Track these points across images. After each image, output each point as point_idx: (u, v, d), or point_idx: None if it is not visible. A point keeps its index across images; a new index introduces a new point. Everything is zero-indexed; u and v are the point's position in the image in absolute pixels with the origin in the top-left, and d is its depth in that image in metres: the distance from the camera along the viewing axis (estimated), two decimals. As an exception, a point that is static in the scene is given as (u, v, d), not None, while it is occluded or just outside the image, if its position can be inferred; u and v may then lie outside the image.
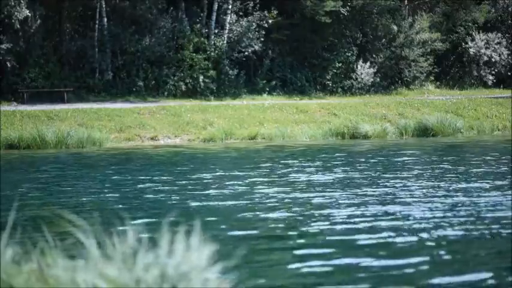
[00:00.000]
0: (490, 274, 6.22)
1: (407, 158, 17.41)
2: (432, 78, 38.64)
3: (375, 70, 35.82)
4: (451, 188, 11.61)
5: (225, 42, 33.11)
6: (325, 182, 12.78)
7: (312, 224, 8.70)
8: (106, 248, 3.46)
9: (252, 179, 13.43)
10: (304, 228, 8.47)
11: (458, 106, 29.95)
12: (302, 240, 7.81)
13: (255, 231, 8.40)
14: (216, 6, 33.16)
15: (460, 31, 40.21)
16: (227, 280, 3.47)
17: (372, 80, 35.57)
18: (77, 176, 14.88)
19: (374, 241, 7.62)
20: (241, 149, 21.38)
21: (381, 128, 25.53)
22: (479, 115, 28.94)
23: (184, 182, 13.29)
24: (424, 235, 7.87)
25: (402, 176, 13.51)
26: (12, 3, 28.49)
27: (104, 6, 31.43)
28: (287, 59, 34.89)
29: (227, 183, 12.83)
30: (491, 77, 39.57)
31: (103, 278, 3.30)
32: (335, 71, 35.40)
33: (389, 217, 9.02)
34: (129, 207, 10.05)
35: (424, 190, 11.40)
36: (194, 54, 32.17)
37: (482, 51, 39.24)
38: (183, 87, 31.68)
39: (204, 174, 14.43)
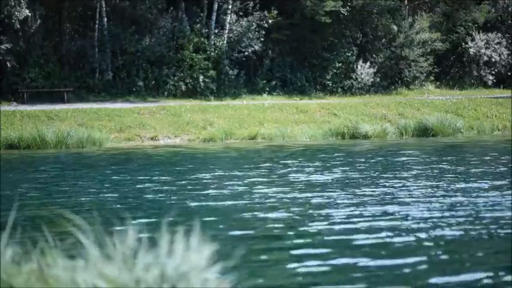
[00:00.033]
0: (488, 274, 6.23)
1: (406, 158, 17.42)
2: (432, 78, 38.64)
3: (375, 70, 35.83)
4: (449, 188, 11.62)
5: (225, 42, 33.11)
6: (324, 182, 12.79)
7: (311, 224, 8.71)
8: (106, 248, 3.47)
9: (251, 179, 13.44)
10: (303, 228, 8.48)
11: (458, 106, 29.96)
12: (301, 240, 7.82)
13: (253, 231, 8.41)
14: (216, 6, 33.17)
15: (460, 31, 40.21)
16: (227, 280, 3.48)
17: (372, 80, 35.58)
18: (77, 176, 14.89)
19: (372, 241, 7.63)
20: (241, 149, 21.39)
21: (381, 128, 25.54)
22: (479, 115, 28.95)
23: (183, 182, 13.30)
24: (422, 235, 7.88)
25: (401, 176, 13.52)
26: (12, 3, 28.50)
27: (104, 6, 31.44)
28: (287, 59, 34.90)
29: (226, 183, 12.84)
30: (491, 77, 39.57)
31: (103, 278, 3.31)
32: (335, 71, 35.41)
33: (388, 217, 9.03)
34: (128, 207, 10.06)
35: (422, 190, 11.41)
36: (194, 54, 32.18)
37: (482, 51, 39.25)
38: (183, 87, 31.69)
39: (204, 174, 14.44)
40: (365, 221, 8.73)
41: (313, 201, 10.49)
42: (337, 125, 25.89)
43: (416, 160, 16.96)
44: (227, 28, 33.29)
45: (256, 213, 9.58)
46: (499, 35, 39.92)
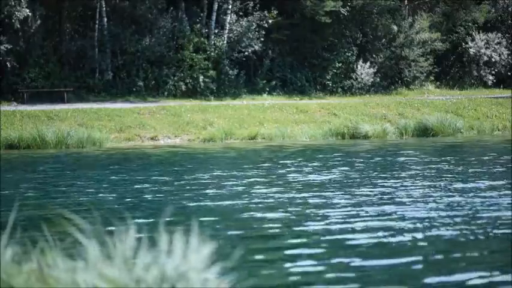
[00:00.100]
0: (484, 274, 6.24)
1: (406, 158, 17.42)
2: (432, 78, 38.66)
3: (375, 70, 35.84)
4: (447, 188, 11.63)
5: (225, 42, 33.12)
6: (323, 182, 12.80)
7: (308, 224, 8.72)
8: (106, 247, 3.47)
9: (250, 179, 13.45)
10: (300, 228, 8.49)
11: (458, 106, 29.96)
12: (298, 240, 7.83)
13: (251, 231, 8.42)
14: (216, 6, 33.18)
15: (460, 31, 40.22)
16: (226, 280, 3.49)
17: (372, 80, 35.59)
18: (76, 176, 14.89)
19: (369, 241, 7.64)
20: (240, 149, 21.40)
21: (381, 128, 25.55)
22: (479, 115, 28.96)
23: (182, 182, 13.30)
24: (419, 235, 7.89)
25: (400, 176, 13.53)
26: (12, 3, 28.50)
27: (104, 6, 31.45)
28: (287, 59, 34.91)
29: (225, 183, 12.85)
30: (491, 77, 39.58)
31: (103, 279, 3.31)
32: (335, 71, 35.42)
33: (385, 217, 9.04)
34: (127, 207, 10.06)
35: (420, 190, 11.42)
36: (194, 54, 32.19)
37: (482, 51, 39.26)
38: (183, 87, 31.70)
39: (203, 174, 14.44)
40: (362, 221, 8.74)
41: (311, 201, 10.50)
42: (337, 125, 25.90)
43: (416, 160, 16.97)
44: (227, 28, 33.30)
45: (254, 213, 9.59)
46: (499, 35, 39.92)
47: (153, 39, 31.82)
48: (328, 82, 35.27)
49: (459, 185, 11.98)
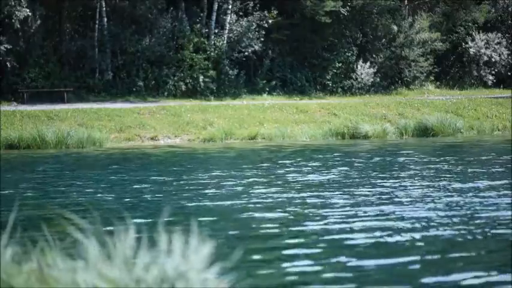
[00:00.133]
0: (481, 273, 6.24)
1: (405, 158, 17.42)
2: (432, 78, 38.66)
3: (375, 70, 35.84)
4: (446, 188, 11.63)
5: (225, 42, 33.13)
6: (322, 183, 12.81)
7: (307, 224, 8.73)
8: (106, 248, 3.48)
9: (249, 179, 13.45)
10: (298, 228, 8.51)
11: (458, 106, 29.97)
12: (296, 240, 7.84)
13: (250, 231, 8.42)
14: (216, 6, 33.18)
15: (460, 31, 40.23)
16: (225, 280, 3.49)
17: (372, 80, 35.60)
18: (75, 176, 14.89)
19: (367, 241, 7.66)
20: (240, 149, 21.41)
21: (381, 128, 25.55)
22: (479, 115, 28.96)
23: (182, 182, 13.31)
24: (417, 235, 7.89)
25: (398, 176, 13.53)
26: (12, 3, 28.51)
27: (104, 6, 31.46)
28: (287, 59, 34.91)
29: (224, 183, 12.86)
30: (491, 77, 39.59)
31: (103, 278, 3.31)
32: (335, 71, 35.43)
33: (383, 217, 9.04)
34: (126, 207, 10.06)
35: (419, 190, 11.43)
36: (194, 54, 32.20)
37: (482, 51, 39.27)
38: (183, 87, 31.71)
39: (202, 174, 14.45)
40: (360, 221, 8.75)
41: (310, 201, 10.51)
42: (337, 125, 25.91)
43: (415, 160, 16.97)
44: (227, 28, 33.31)
45: (253, 213, 9.59)
46: (499, 35, 39.93)
47: (153, 39, 31.83)
48: (328, 82, 35.27)
49: (458, 185, 11.99)
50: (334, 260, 6.85)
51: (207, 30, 33.12)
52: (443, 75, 39.83)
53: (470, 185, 12.03)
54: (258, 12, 33.69)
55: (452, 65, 40.66)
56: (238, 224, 8.95)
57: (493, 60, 39.38)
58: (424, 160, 16.98)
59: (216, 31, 33.33)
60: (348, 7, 35.07)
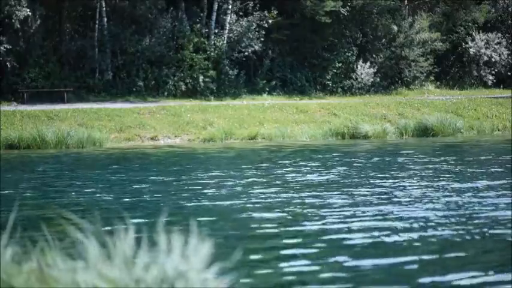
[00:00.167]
0: (478, 273, 6.25)
1: (404, 158, 17.42)
2: (432, 78, 38.67)
3: (375, 70, 35.84)
4: (445, 188, 11.63)
5: (225, 42, 33.13)
6: (321, 183, 12.81)
7: (306, 224, 8.74)
8: (105, 248, 3.48)
9: (248, 179, 13.46)
10: (296, 228, 8.52)
11: (458, 106, 29.98)
12: (294, 240, 7.85)
13: (249, 231, 8.43)
14: (216, 6, 33.19)
15: (460, 31, 40.23)
16: (225, 280, 3.50)
17: (372, 80, 35.60)
18: (75, 176, 14.89)
19: (366, 241, 7.67)
20: (240, 149, 21.41)
21: (381, 128, 25.56)
22: (479, 115, 28.97)
23: (181, 182, 13.32)
24: (415, 235, 7.90)
25: (397, 176, 13.53)
26: (12, 3, 28.51)
27: (104, 6, 31.46)
28: (287, 59, 34.92)
29: (224, 183, 12.86)
30: (491, 77, 39.59)
31: (103, 278, 3.32)
32: (335, 71, 35.43)
33: (383, 217, 9.05)
34: (125, 207, 10.07)
35: (419, 190, 11.43)
36: (194, 54, 32.20)
37: (482, 51, 39.27)
38: (183, 87, 31.71)
39: (202, 174, 14.46)
40: (359, 221, 8.76)
41: (309, 201, 10.51)
42: (337, 125, 25.91)
43: (414, 160, 16.97)
44: (227, 28, 33.31)
45: (252, 213, 9.60)
46: (499, 35, 39.93)
47: (153, 39, 31.84)
48: (328, 82, 35.28)
49: (457, 185, 11.99)
50: (332, 259, 6.86)
51: (207, 30, 33.13)
52: (443, 75, 39.83)
53: (469, 185, 12.04)
54: (258, 12, 33.70)
55: (452, 65, 40.66)
56: (237, 224, 8.96)
57: (493, 60, 39.38)
58: (424, 160, 16.98)
59: (216, 31, 33.34)
60: (348, 7, 35.07)
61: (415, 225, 8.48)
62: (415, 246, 7.43)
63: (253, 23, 33.30)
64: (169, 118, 25.89)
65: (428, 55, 37.88)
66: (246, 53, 33.26)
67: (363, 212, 9.39)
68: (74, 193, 11.88)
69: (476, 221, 8.68)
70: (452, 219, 8.80)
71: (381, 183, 12.36)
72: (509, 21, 41.37)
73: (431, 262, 6.74)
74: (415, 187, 11.80)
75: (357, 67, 35.46)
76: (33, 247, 3.71)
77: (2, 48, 29.01)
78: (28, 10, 28.95)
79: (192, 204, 10.53)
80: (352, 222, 8.72)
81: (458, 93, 35.95)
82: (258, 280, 6.16)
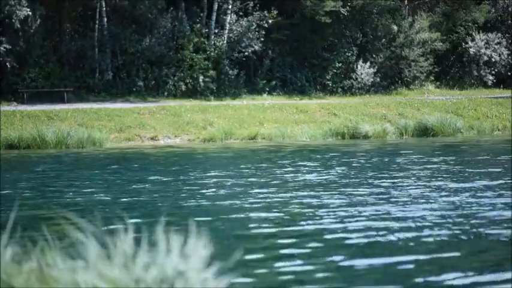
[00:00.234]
0: (476, 273, 6.26)
1: (404, 158, 17.42)
2: (432, 78, 38.68)
3: (375, 70, 35.85)
4: (443, 188, 11.63)
5: (225, 42, 33.14)
6: (320, 183, 12.82)
7: (303, 224, 8.76)
8: (105, 247, 3.48)
9: (247, 179, 13.47)
10: (295, 228, 8.54)
11: (458, 106, 29.98)
12: (292, 240, 7.87)
13: (247, 231, 8.44)
14: (216, 6, 33.20)
15: (460, 31, 40.24)
16: (224, 280, 3.50)
17: (372, 80, 35.61)
18: (75, 176, 14.89)
19: (363, 240, 7.69)
20: (240, 149, 21.42)
21: (381, 128, 25.57)
22: (479, 115, 28.98)
23: (180, 182, 13.32)
24: (413, 235, 7.91)
25: (397, 176, 13.54)
26: (13, 3, 28.52)
27: (104, 6, 31.47)
28: (287, 59, 34.93)
29: (223, 183, 12.87)
30: (491, 77, 39.60)
31: (103, 278, 3.32)
32: (335, 71, 35.44)
33: (380, 217, 9.06)
34: (124, 207, 10.08)
35: (417, 190, 11.43)
36: (194, 54, 32.21)
37: (482, 51, 39.27)
38: (183, 87, 31.72)
39: (201, 174, 14.48)
40: (356, 221, 8.77)
41: (307, 201, 10.52)
42: (337, 125, 25.92)
43: (413, 160, 16.97)
44: (227, 28, 33.32)
45: (250, 213, 9.62)
46: (499, 35, 39.94)
47: (153, 39, 31.85)
48: (328, 82, 35.29)
49: (455, 185, 11.99)
50: (329, 259, 6.88)
51: (207, 30, 33.13)
52: (443, 75, 39.84)
53: (467, 185, 12.04)
54: (258, 12, 33.71)
55: (452, 65, 40.67)
56: (235, 223, 8.97)
57: (493, 60, 39.38)
58: (423, 160, 16.98)
59: (216, 31, 33.35)
60: (348, 7, 35.08)
61: (412, 225, 8.49)
62: (411, 246, 7.44)
63: (253, 23, 33.31)
64: (169, 118, 25.90)
65: (428, 55, 37.89)
66: (246, 53, 33.27)
67: (361, 212, 9.40)
68: (72, 193, 11.89)
69: (473, 221, 8.69)
70: (449, 219, 8.80)
71: (379, 184, 12.37)
72: (509, 21, 41.38)
73: (427, 262, 6.75)
74: (413, 187, 11.81)
75: (357, 67, 35.47)
76: (33, 247, 3.71)
77: (2, 48, 29.02)
78: (28, 10, 28.96)
79: (191, 204, 10.54)
80: (350, 222, 8.73)
81: (458, 93, 35.96)
82: (255, 280, 6.17)
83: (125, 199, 11.24)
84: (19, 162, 18.53)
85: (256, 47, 33.28)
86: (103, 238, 3.51)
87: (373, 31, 37.28)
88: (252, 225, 8.77)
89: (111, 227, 4.16)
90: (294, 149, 21.17)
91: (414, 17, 38.65)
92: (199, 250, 3.43)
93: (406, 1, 39.40)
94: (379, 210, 9.53)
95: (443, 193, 11.08)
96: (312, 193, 11.35)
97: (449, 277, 6.14)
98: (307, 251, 7.32)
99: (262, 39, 33.39)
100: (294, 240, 7.88)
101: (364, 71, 35.36)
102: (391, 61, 37.01)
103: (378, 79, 36.05)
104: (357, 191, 11.48)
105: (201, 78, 31.91)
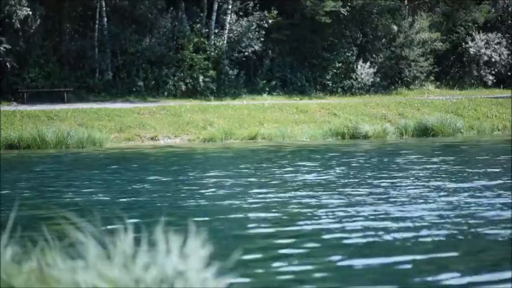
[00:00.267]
0: (473, 273, 6.27)
1: (404, 159, 17.42)
2: (432, 78, 38.68)
3: (375, 70, 35.85)
4: (442, 188, 11.63)
5: (225, 42, 33.14)
6: (319, 183, 12.83)
7: (302, 223, 8.76)
8: (104, 248, 3.49)
9: (247, 179, 13.48)
10: (294, 228, 8.54)
11: (458, 106, 29.98)
12: (290, 240, 7.87)
13: (246, 231, 8.45)
14: (216, 6, 33.20)
15: (460, 31, 40.24)
16: (224, 280, 3.51)
17: (372, 80, 35.61)
18: (74, 176, 14.90)
19: (361, 240, 7.69)
20: (240, 149, 21.42)
21: (381, 128, 25.58)
22: (479, 115, 28.98)
23: (180, 182, 13.33)
24: (411, 235, 7.91)
25: (396, 176, 13.53)
26: (13, 2, 28.52)
27: (104, 6, 31.47)
28: (287, 59, 34.93)
29: (222, 183, 12.88)
30: (491, 77, 39.60)
31: (103, 278, 3.33)
32: (335, 71, 35.44)
33: (379, 217, 9.06)
34: (123, 207, 10.08)
35: (415, 190, 11.43)
36: (194, 54, 32.21)
37: (482, 51, 39.27)
38: (183, 87, 31.73)
39: (201, 175, 14.48)
40: (355, 221, 8.78)
41: (306, 201, 10.53)
42: (337, 125, 25.93)
43: (413, 160, 16.97)
44: (227, 28, 33.33)
45: (249, 213, 9.62)
46: (499, 35, 39.94)
47: (153, 39, 31.85)
48: (328, 82, 35.29)
49: (454, 185, 11.99)
50: (327, 259, 6.89)
51: (207, 30, 33.14)
52: (443, 75, 39.83)
53: (467, 185, 12.05)
54: (258, 12, 33.71)
55: (452, 65, 40.67)
56: (234, 223, 8.98)
57: (493, 60, 39.38)
58: (422, 160, 16.98)
59: (216, 31, 33.35)
60: (348, 7, 35.08)
61: (410, 225, 8.49)
62: (409, 246, 7.44)
63: (253, 23, 33.31)
64: (169, 118, 25.90)
65: (428, 55, 37.89)
66: (246, 53, 33.28)
67: (359, 212, 9.40)
68: (71, 193, 11.89)
69: (471, 221, 8.69)
70: (447, 219, 8.81)
71: (378, 184, 12.37)
72: (509, 21, 41.37)
73: (425, 262, 6.75)
74: (412, 187, 11.81)
75: (357, 67, 35.47)
76: (33, 247, 3.72)
77: (2, 48, 29.02)
78: (28, 10, 28.96)
79: (190, 204, 10.54)
80: (348, 222, 8.74)
81: (458, 93, 35.96)
82: (254, 280, 6.18)
83: (124, 199, 11.25)
84: (19, 162, 18.54)
85: (256, 47, 33.28)
86: (103, 238, 3.52)
87: (373, 31, 37.28)
88: (250, 225, 8.77)
89: (110, 227, 4.16)
90: (293, 149, 21.18)
91: (414, 17, 38.65)
92: (198, 250, 3.44)
93: (406, 1, 39.40)
94: (378, 210, 9.54)
95: (442, 193, 11.08)
96: (311, 193, 11.35)
97: (447, 277, 6.15)
98: (306, 251, 7.33)
99: (262, 39, 33.39)
100: (292, 240, 7.89)
101: (364, 71, 35.37)
102: (391, 61, 37.01)
103: (378, 79, 36.05)
104: (356, 191, 11.49)
105: (201, 78, 31.92)
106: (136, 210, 10.03)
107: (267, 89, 33.51)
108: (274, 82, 33.94)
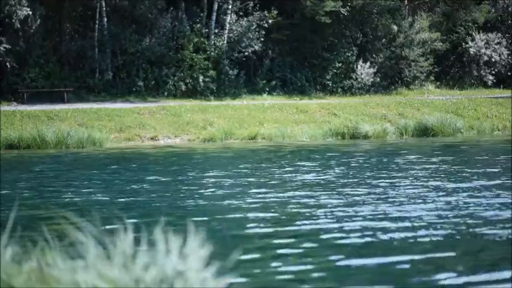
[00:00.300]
0: (471, 273, 6.28)
1: (404, 159, 17.43)
2: (432, 78, 38.68)
3: (375, 70, 35.86)
4: (441, 188, 11.64)
5: (225, 42, 33.15)
6: (318, 183, 12.84)
7: (301, 223, 8.77)
8: (104, 248, 3.50)
9: (246, 179, 13.49)
10: (292, 228, 8.55)
11: (458, 106, 29.99)
12: (288, 240, 7.88)
13: (245, 231, 8.46)
14: (216, 6, 33.21)
15: (460, 31, 40.24)
16: (223, 280, 3.52)
17: (372, 80, 35.61)
18: (74, 176, 14.90)
19: (360, 240, 7.70)
20: (239, 149, 21.43)
21: (381, 128, 25.58)
22: (479, 115, 28.98)
23: (179, 182, 13.34)
24: (409, 235, 7.92)
25: (395, 176, 13.54)
26: (13, 2, 28.53)
27: (104, 6, 31.48)
28: (287, 59, 34.94)
29: (222, 183, 12.89)
30: (491, 77, 39.60)
31: (103, 278, 3.34)
32: (335, 71, 35.44)
33: (378, 217, 9.07)
34: (122, 207, 10.09)
35: (415, 190, 11.44)
36: (194, 54, 32.22)
37: (482, 51, 39.28)
38: (183, 87, 31.74)
39: (201, 175, 14.49)
40: (353, 221, 8.79)
41: (305, 201, 10.54)
42: (337, 125, 25.93)
43: (413, 160, 16.98)
44: (227, 28, 33.33)
45: (248, 213, 9.63)
46: (499, 35, 39.94)
47: (153, 39, 31.86)
48: (328, 82, 35.29)
49: (453, 185, 12.00)
50: (326, 259, 6.90)
51: (207, 30, 33.14)
52: (443, 75, 39.84)
53: (466, 185, 12.05)
54: (258, 12, 33.72)
55: (452, 65, 40.67)
56: (233, 223, 8.99)
57: (493, 60, 39.39)
58: (422, 160, 16.99)
59: (216, 31, 33.36)
60: (348, 7, 35.09)
61: (409, 225, 8.50)
62: (408, 246, 7.45)
63: (253, 23, 33.32)
64: (169, 118, 25.91)
65: (428, 55, 37.89)
66: (246, 53, 33.28)
67: (358, 212, 9.41)
68: (70, 193, 11.90)
69: (469, 221, 8.70)
70: (446, 219, 8.82)
71: (377, 184, 12.37)
72: (509, 21, 41.38)
73: (423, 262, 6.76)
74: (411, 187, 11.82)
75: (357, 67, 35.48)
76: (33, 247, 3.73)
77: (1, 48, 29.03)
78: (28, 10, 28.97)
79: (189, 204, 10.55)
80: (347, 222, 8.75)
81: (458, 93, 35.96)
82: (252, 279, 6.19)
83: (123, 199, 11.26)
84: (19, 162, 18.54)
85: (256, 47, 33.29)
86: (102, 238, 3.53)
87: (373, 31, 37.28)
88: (250, 225, 8.78)
89: (110, 227, 4.18)
90: (293, 149, 21.19)
91: (414, 17, 38.65)
92: (198, 250, 3.45)
93: (406, 1, 39.40)
94: (376, 210, 9.55)
95: (440, 193, 11.09)
96: (310, 193, 11.37)
97: (445, 277, 6.16)
98: (305, 250, 7.34)
99: (262, 39, 33.40)
100: (291, 240, 7.90)
101: (364, 71, 35.37)
102: (391, 61, 37.02)
103: (378, 79, 36.06)
104: (355, 191, 11.50)
105: (201, 78, 31.93)
106: (135, 210, 10.04)
107: (267, 89, 33.51)
108: (274, 82, 33.95)
